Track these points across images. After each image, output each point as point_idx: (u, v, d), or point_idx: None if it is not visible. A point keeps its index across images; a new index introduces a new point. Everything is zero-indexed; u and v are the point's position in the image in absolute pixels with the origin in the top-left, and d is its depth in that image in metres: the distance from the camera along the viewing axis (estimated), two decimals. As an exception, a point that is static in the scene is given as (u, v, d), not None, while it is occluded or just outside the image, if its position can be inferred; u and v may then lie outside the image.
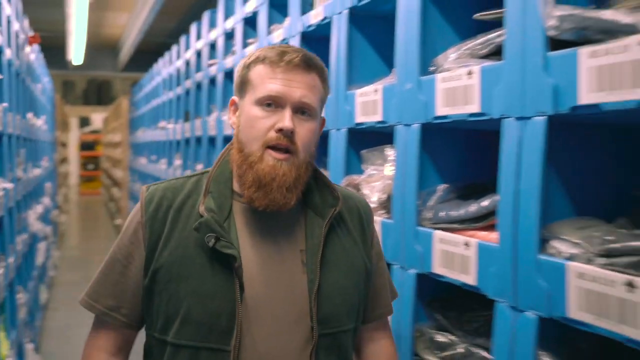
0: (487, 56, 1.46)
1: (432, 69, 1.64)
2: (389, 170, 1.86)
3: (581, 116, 1.17)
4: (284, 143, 1.19)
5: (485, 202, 1.45)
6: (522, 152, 1.27)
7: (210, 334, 1.19)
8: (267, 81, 1.21)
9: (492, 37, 1.42)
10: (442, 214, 1.58)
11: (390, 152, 1.87)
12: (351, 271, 1.29)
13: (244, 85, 1.26)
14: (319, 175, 1.31)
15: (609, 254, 1.08)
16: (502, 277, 1.32)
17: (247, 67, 1.26)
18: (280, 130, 1.19)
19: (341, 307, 1.26)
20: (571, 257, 1.16)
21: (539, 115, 1.23)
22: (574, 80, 1.13)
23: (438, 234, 1.54)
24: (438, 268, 1.54)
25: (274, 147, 1.19)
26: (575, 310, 1.13)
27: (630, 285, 1.02)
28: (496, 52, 1.42)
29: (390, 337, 1.43)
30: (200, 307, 1.19)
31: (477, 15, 1.53)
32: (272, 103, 1.20)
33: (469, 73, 1.42)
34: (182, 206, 1.25)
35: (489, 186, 1.54)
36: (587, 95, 1.10)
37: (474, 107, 1.41)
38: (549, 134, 1.22)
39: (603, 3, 1.23)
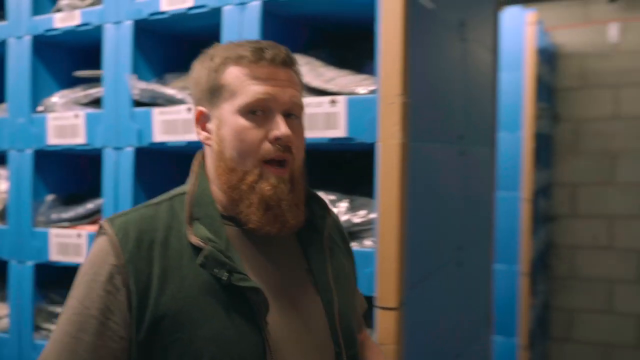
0: (88, 103, 2.09)
1: (40, 108, 2.17)
2: (2, 185, 2.29)
3: (155, 150, 1.92)
4: (282, 155, 1.07)
5: (90, 205, 2.07)
6: (119, 174, 1.95)
7: None
8: (250, 84, 1.07)
9: (93, 92, 2.06)
10: (54, 216, 2.12)
11: (2, 172, 2.30)
12: (350, 284, 1.23)
13: (217, 92, 1.10)
14: None
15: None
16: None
17: (216, 70, 1.10)
18: (277, 140, 1.05)
19: (354, 326, 1.19)
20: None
21: (129, 147, 1.93)
22: (149, 126, 1.86)
23: (53, 231, 2.09)
24: (55, 256, 2.08)
25: (271, 162, 1.07)
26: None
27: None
28: (96, 102, 2.07)
29: (366, 333, 1.38)
30: (225, 354, 1.02)
31: (77, 73, 2.15)
32: (258, 109, 1.07)
33: (76, 115, 2.02)
34: (167, 239, 1.07)
35: (85, 195, 2.17)
36: (160, 135, 1.85)
37: (81, 139, 2.02)
38: (138, 161, 1.93)
39: (162, 79, 2.01)
